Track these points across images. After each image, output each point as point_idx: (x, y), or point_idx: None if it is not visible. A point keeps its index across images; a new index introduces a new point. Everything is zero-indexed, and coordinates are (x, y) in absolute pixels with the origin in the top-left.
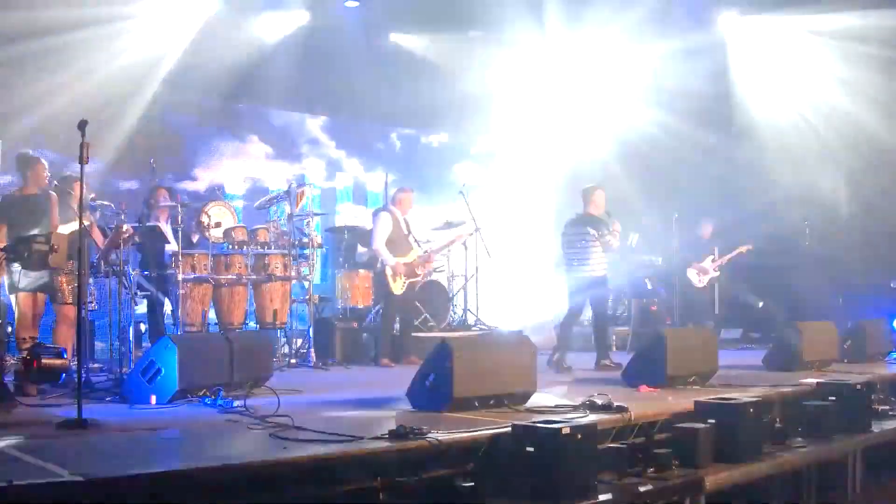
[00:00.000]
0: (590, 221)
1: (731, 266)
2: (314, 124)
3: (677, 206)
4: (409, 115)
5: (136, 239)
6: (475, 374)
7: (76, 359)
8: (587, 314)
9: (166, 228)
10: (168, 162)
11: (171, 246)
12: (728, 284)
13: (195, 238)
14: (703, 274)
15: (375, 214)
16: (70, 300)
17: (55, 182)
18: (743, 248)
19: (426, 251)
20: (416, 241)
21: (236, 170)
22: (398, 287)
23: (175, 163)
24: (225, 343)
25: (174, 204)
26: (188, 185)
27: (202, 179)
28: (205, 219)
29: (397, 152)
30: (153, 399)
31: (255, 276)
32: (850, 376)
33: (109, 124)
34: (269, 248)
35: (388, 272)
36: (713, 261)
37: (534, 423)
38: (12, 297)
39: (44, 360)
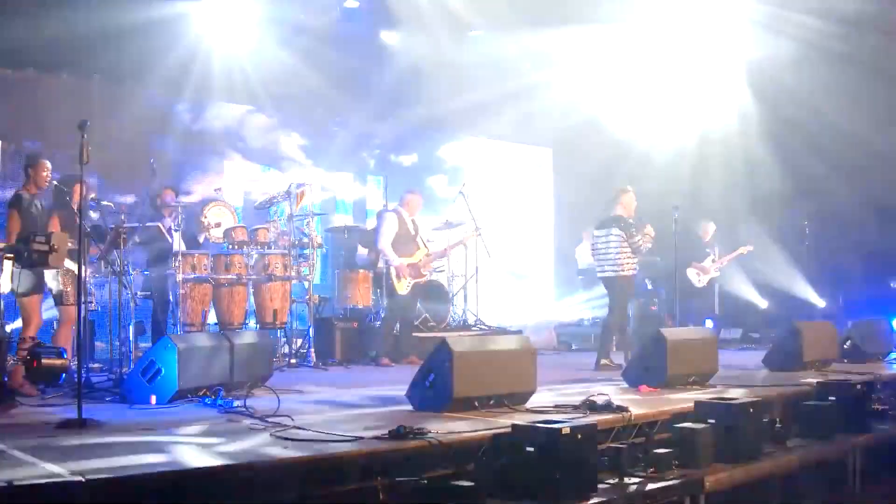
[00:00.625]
0: (617, 222)
1: (733, 266)
2: (289, 143)
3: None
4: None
5: (137, 239)
6: (475, 374)
7: (76, 359)
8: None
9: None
10: (161, 176)
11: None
12: (729, 285)
13: (202, 238)
14: (703, 274)
15: (381, 215)
16: (70, 300)
17: (55, 182)
18: (744, 249)
19: (430, 252)
20: (423, 242)
21: (229, 183)
22: (402, 287)
23: (167, 179)
24: (225, 343)
25: (179, 204)
26: (182, 199)
27: (196, 192)
28: (204, 219)
29: (372, 168)
30: (153, 399)
31: (255, 276)
32: (850, 376)
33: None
34: (269, 248)
35: (393, 272)
36: (714, 261)
37: (534, 423)
38: (20, 300)
39: (44, 360)
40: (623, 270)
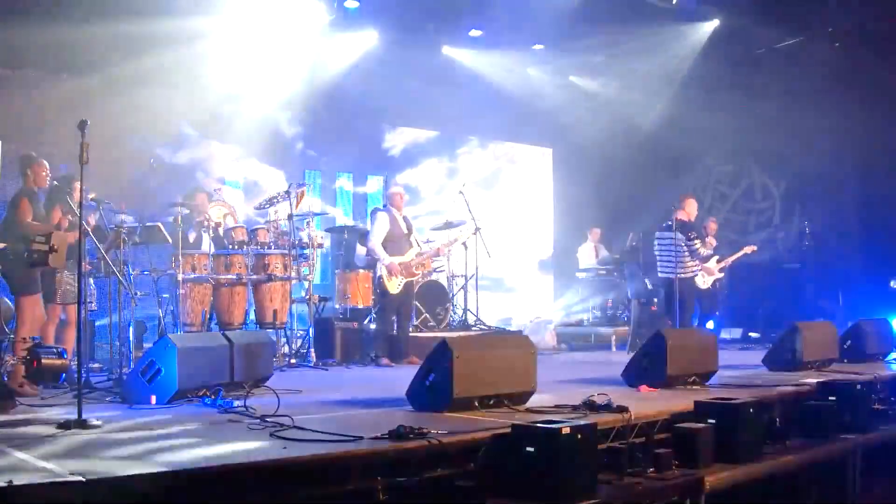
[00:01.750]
0: (679, 227)
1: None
2: (266, 175)
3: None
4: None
5: (137, 239)
6: (475, 374)
7: (76, 359)
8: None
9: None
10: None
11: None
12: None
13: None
14: (707, 275)
15: (374, 213)
16: (70, 300)
17: (54, 182)
18: (748, 249)
19: (421, 252)
20: (416, 241)
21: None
22: (393, 286)
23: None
24: (225, 343)
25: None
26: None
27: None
28: (210, 215)
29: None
30: (153, 399)
31: (255, 276)
32: (850, 376)
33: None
34: (269, 248)
35: (383, 271)
36: (718, 261)
37: (534, 423)
38: (22, 299)
39: (44, 360)
40: (683, 273)
